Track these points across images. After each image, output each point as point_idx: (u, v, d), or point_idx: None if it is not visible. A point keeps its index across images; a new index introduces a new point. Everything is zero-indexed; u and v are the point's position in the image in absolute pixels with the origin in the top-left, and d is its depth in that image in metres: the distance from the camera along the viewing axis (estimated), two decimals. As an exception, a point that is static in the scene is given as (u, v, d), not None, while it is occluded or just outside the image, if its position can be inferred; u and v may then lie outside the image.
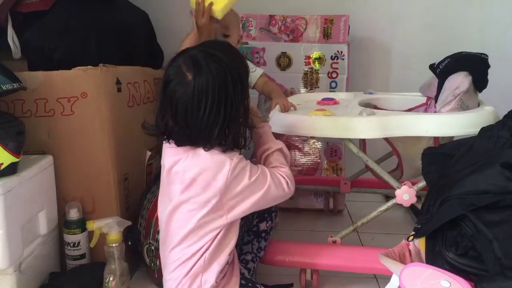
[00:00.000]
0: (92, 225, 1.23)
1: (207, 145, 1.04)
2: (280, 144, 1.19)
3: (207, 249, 1.07)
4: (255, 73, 1.58)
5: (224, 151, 1.06)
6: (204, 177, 1.03)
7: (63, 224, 1.34)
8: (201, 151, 1.05)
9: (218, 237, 1.07)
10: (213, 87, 1.00)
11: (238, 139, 1.07)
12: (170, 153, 1.09)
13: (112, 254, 1.22)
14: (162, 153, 1.14)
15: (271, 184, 1.08)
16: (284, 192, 1.12)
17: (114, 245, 1.22)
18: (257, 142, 1.21)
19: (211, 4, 1.30)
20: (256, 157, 1.21)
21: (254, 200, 1.07)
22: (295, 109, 1.43)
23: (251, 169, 1.07)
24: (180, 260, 1.08)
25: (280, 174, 1.11)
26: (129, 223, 1.27)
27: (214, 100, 1.00)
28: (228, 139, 1.05)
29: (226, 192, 1.03)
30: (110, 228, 1.22)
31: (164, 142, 1.13)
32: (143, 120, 1.50)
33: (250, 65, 1.35)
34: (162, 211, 1.13)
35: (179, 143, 1.06)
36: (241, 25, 1.63)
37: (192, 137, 1.04)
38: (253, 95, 1.70)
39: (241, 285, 1.15)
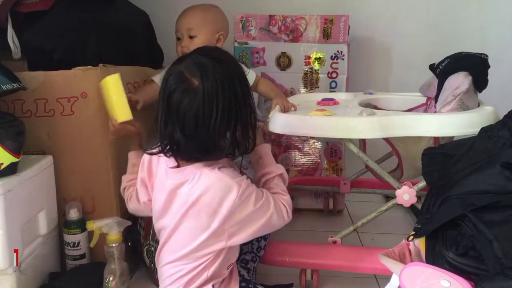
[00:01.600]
0: (92, 225, 1.23)
1: (219, 153, 1.01)
2: (281, 169, 1.16)
3: (205, 268, 1.06)
4: (249, 75, 1.56)
5: (232, 159, 1.05)
6: (208, 201, 1.00)
7: (63, 224, 1.34)
8: (208, 173, 1.01)
9: (219, 260, 1.06)
10: (223, 89, 0.96)
11: (248, 142, 1.05)
12: (173, 175, 1.04)
13: (112, 254, 1.22)
14: (158, 171, 1.10)
15: (273, 212, 1.06)
16: (283, 221, 1.10)
17: (114, 245, 1.22)
18: (255, 162, 1.18)
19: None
20: (254, 179, 1.17)
21: (256, 227, 1.04)
22: (295, 109, 1.43)
23: (257, 195, 1.04)
24: (175, 276, 1.07)
25: (282, 202, 1.09)
26: (129, 223, 1.27)
27: (225, 103, 0.96)
28: (240, 144, 1.03)
29: (229, 218, 1.01)
30: (110, 228, 1.22)
31: (157, 160, 1.10)
32: (144, 120, 1.50)
33: (244, 68, 1.34)
34: (161, 228, 1.11)
35: (187, 157, 1.03)
36: (217, 25, 1.54)
37: (203, 147, 0.99)
38: (255, 94, 1.70)
39: (241, 287, 1.14)
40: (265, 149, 1.18)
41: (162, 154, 1.05)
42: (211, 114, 0.96)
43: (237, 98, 0.99)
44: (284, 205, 1.10)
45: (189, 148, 1.00)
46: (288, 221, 1.11)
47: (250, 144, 1.06)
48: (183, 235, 1.05)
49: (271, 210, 1.06)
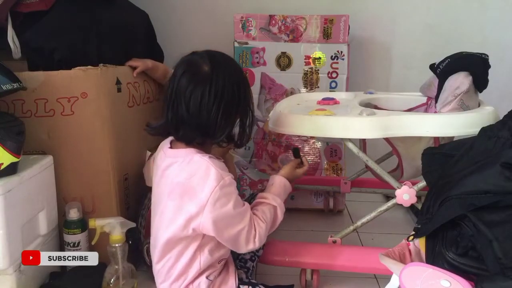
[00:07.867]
0: (93, 223, 1.22)
1: (215, 137, 1.06)
2: (277, 203, 1.16)
3: (193, 258, 1.07)
4: None
5: (224, 144, 1.10)
6: (193, 185, 1.02)
7: (63, 224, 1.34)
8: (198, 159, 1.05)
9: (206, 250, 1.08)
10: (229, 80, 1.04)
11: (243, 135, 1.11)
12: (169, 154, 1.10)
13: (115, 254, 1.22)
14: (160, 152, 1.14)
15: (246, 226, 1.06)
16: (246, 245, 1.08)
17: (117, 245, 1.21)
18: (267, 186, 1.22)
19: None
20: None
21: (228, 235, 1.04)
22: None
23: (237, 200, 1.05)
24: (165, 270, 1.10)
25: (255, 225, 1.09)
26: (133, 224, 1.26)
27: (229, 91, 1.04)
28: (234, 135, 1.09)
29: (208, 211, 1.01)
30: (112, 228, 1.21)
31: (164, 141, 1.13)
32: (144, 120, 1.50)
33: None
34: (153, 217, 1.14)
35: (186, 137, 1.07)
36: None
37: (203, 126, 1.04)
38: (254, 94, 1.71)
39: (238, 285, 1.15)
40: (282, 180, 1.21)
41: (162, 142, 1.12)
42: (216, 98, 1.03)
43: (240, 89, 1.07)
44: (256, 230, 1.08)
45: (191, 125, 1.05)
46: (254, 249, 1.10)
47: (244, 139, 1.12)
48: (166, 217, 1.07)
49: (245, 223, 1.06)
